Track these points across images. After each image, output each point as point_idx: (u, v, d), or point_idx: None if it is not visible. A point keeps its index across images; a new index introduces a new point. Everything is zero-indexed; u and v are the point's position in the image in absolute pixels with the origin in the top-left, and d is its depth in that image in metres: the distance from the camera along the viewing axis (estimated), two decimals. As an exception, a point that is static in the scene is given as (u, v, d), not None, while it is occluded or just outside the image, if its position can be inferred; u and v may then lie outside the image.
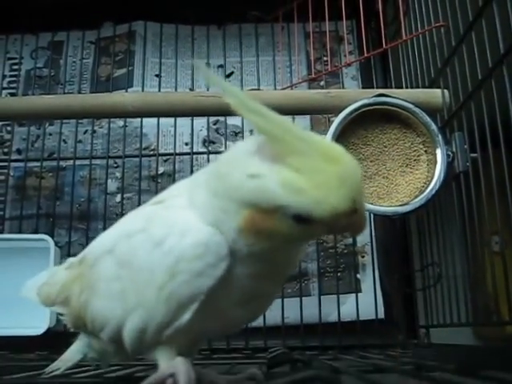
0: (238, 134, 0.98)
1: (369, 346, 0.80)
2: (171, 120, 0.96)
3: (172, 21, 1.06)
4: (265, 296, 0.44)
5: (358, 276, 0.90)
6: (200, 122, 0.98)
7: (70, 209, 0.93)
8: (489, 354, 0.61)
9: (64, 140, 0.99)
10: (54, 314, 0.81)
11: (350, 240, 0.91)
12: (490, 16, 0.63)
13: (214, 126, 1.00)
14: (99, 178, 0.97)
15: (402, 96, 0.76)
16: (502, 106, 0.61)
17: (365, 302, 0.86)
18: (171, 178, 0.95)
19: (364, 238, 0.91)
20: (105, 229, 0.88)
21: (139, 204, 0.90)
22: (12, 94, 1.03)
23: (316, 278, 0.89)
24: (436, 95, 0.78)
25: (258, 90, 0.99)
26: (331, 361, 0.59)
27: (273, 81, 1.01)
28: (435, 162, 0.73)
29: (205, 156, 0.96)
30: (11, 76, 1.05)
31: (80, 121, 0.98)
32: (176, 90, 1.00)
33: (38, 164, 0.96)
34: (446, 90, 0.77)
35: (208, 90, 1.00)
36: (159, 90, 0.99)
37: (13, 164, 0.97)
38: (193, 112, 0.81)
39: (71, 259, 0.52)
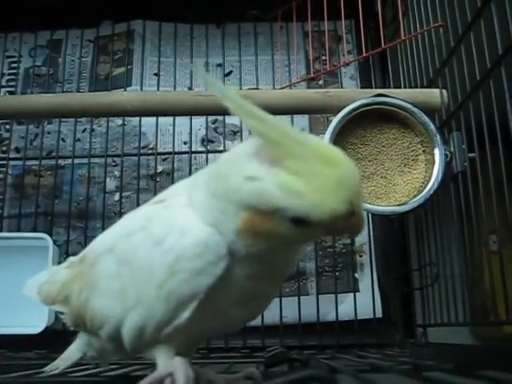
0: (236, 134, 0.98)
1: (366, 345, 0.81)
2: (170, 119, 0.96)
3: (171, 20, 1.06)
4: (263, 296, 0.44)
5: (356, 275, 0.90)
6: (199, 121, 0.98)
7: (68, 207, 0.93)
8: (486, 353, 0.61)
9: (63, 138, 0.99)
10: (53, 312, 0.81)
11: (348, 239, 0.91)
12: (488, 17, 0.63)
13: (213, 125, 1.00)
14: (98, 176, 0.97)
15: (400, 96, 0.76)
16: (499, 106, 0.61)
17: (363, 301, 0.86)
18: (170, 176, 0.95)
19: (362, 238, 0.91)
20: (103, 227, 0.90)
21: (138, 202, 0.90)
22: (11, 93, 1.03)
23: (314, 278, 0.89)
24: (434, 95, 0.78)
25: (257, 89, 0.99)
26: (329, 360, 0.59)
27: (271, 80, 1.01)
28: (433, 162, 0.73)
29: (203, 155, 0.96)
30: (10, 74, 1.05)
31: (79, 119, 0.98)
32: (175, 89, 0.99)
33: (37, 162, 0.96)
34: (444, 90, 0.77)
35: (206, 88, 1.00)
36: (158, 89, 0.99)
37: (11, 162, 0.97)
38: (191, 111, 0.81)
39: (72, 258, 0.52)
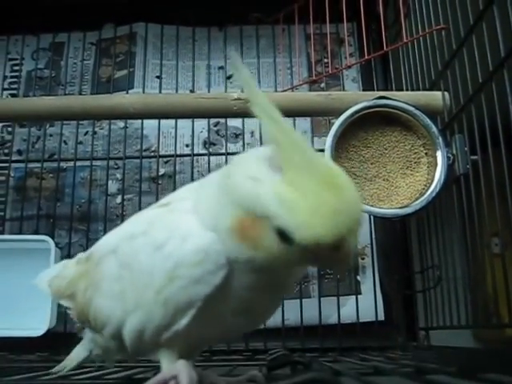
0: (238, 136, 0.98)
1: (369, 347, 0.80)
2: (172, 121, 0.96)
3: (173, 22, 1.06)
4: (263, 308, 0.44)
5: (358, 278, 0.90)
6: (200, 124, 0.98)
7: (70, 210, 0.93)
8: (489, 356, 0.61)
9: (65, 141, 0.99)
10: (54, 315, 0.81)
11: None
12: (490, 19, 0.63)
13: (215, 128, 1.00)
14: (100, 179, 0.97)
15: (402, 98, 0.76)
16: (502, 108, 0.61)
17: (365, 303, 0.86)
18: (172, 179, 0.95)
19: (364, 240, 0.91)
20: (105, 230, 0.90)
21: (140, 205, 0.90)
22: (13, 95, 1.03)
23: (316, 280, 0.89)
24: (436, 98, 0.78)
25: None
26: (331, 363, 0.59)
27: (273, 83, 1.01)
28: (435, 165, 0.73)
29: (205, 158, 0.96)
30: (12, 77, 1.05)
31: (81, 122, 0.98)
32: (177, 91, 1.00)
33: (39, 165, 0.96)
34: (446, 93, 0.77)
35: (209, 91, 1.00)
36: (160, 92, 0.99)
37: (13, 165, 0.97)
38: (193, 114, 0.81)
39: (81, 254, 0.52)
